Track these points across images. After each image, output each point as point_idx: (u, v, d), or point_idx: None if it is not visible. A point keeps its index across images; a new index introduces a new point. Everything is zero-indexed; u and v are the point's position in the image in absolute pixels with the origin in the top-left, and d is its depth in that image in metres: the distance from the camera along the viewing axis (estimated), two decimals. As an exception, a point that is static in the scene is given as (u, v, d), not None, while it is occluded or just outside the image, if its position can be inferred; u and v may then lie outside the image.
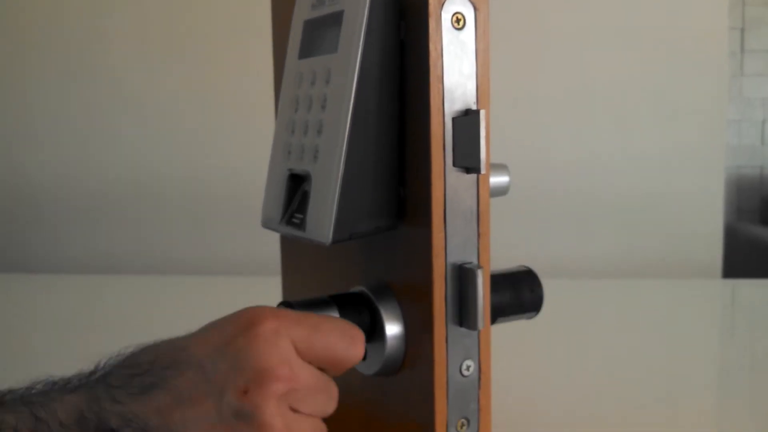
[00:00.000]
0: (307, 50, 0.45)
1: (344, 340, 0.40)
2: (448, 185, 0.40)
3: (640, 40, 1.69)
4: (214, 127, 1.78)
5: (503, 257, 0.57)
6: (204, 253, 1.80)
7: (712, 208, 1.75)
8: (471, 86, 0.40)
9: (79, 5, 1.78)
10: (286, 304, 0.43)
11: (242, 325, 0.40)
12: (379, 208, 0.41)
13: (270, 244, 0.78)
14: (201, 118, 1.78)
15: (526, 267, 0.52)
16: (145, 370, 0.39)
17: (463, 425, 0.42)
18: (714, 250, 1.73)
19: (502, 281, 0.49)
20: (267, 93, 0.67)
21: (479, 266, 0.40)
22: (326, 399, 0.39)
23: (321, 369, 0.39)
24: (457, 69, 0.39)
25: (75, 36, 1.79)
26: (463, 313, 0.41)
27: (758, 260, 2.83)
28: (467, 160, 0.39)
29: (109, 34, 1.78)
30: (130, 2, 1.77)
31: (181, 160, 1.80)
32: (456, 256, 0.40)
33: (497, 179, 0.49)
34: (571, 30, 1.65)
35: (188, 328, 0.97)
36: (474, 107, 0.40)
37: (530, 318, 0.52)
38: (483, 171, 0.39)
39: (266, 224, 0.47)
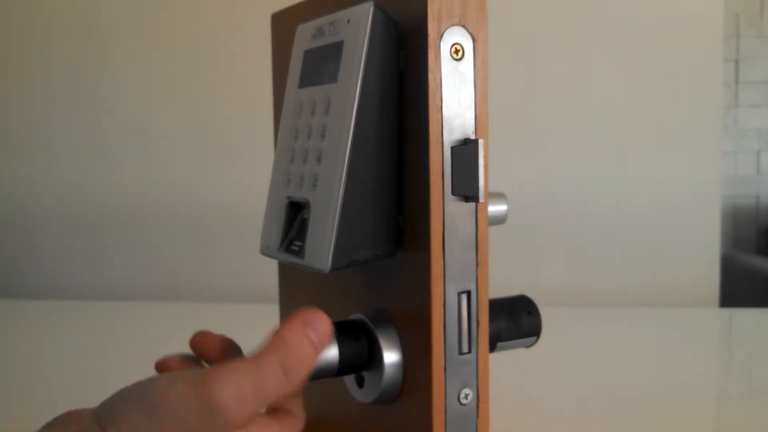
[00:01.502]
0: (307, 80, 0.45)
1: (284, 381, 0.38)
2: (447, 213, 0.40)
3: (636, 71, 1.71)
4: (213, 153, 1.78)
5: (501, 285, 0.57)
6: (202, 280, 1.80)
7: (709, 238, 1.75)
8: (469, 116, 0.40)
9: (76, 31, 1.79)
10: (284, 331, 0.43)
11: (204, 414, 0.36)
12: (378, 236, 0.42)
13: (268, 271, 0.78)
14: (200, 145, 1.79)
15: (521, 294, 0.52)
16: None
17: (461, 454, 0.42)
18: (711, 280, 1.74)
19: (498, 307, 0.49)
20: (267, 120, 0.67)
21: (477, 291, 0.41)
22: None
23: None
24: (455, 99, 0.40)
25: (72, 61, 1.80)
26: (461, 339, 0.41)
27: (755, 289, 2.83)
28: (466, 188, 0.39)
29: (108, 60, 1.79)
30: (129, 28, 1.78)
31: (179, 186, 1.80)
32: (454, 284, 0.40)
33: (495, 208, 0.49)
34: (568, 61, 1.67)
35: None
36: (472, 137, 0.40)
37: (529, 346, 0.52)
38: (481, 200, 0.39)
39: (265, 251, 0.47)
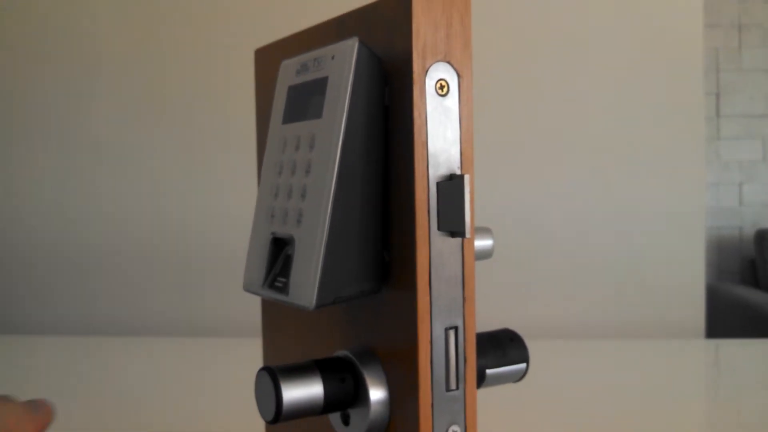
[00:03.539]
0: (291, 115, 0.45)
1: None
2: (433, 249, 0.40)
3: (620, 105, 1.73)
4: (197, 188, 1.78)
5: (486, 319, 0.57)
6: (185, 315, 1.78)
7: (694, 269, 1.76)
8: (455, 151, 0.40)
9: (61, 62, 1.79)
10: (267, 369, 0.43)
11: None
12: (364, 272, 0.41)
13: (251, 306, 0.78)
14: (183, 179, 1.78)
15: (503, 328, 0.52)
16: None
17: (449, 494, 0.41)
18: (697, 310, 1.74)
19: (482, 340, 0.49)
20: (251, 156, 0.67)
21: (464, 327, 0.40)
22: None
23: None
24: (441, 135, 0.40)
25: (57, 93, 1.80)
26: (449, 375, 0.40)
27: (740, 320, 2.84)
28: (452, 224, 0.39)
29: (94, 90, 1.79)
30: (115, 60, 1.78)
31: (162, 221, 1.80)
32: (441, 320, 0.40)
33: (482, 243, 0.49)
34: (553, 95, 1.68)
35: (166, 391, 0.95)
36: (458, 172, 0.40)
37: (519, 378, 0.51)
38: (468, 235, 0.39)
39: (248, 288, 0.47)
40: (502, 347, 0.50)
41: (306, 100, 0.44)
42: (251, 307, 0.79)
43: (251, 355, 0.70)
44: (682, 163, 1.75)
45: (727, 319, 2.90)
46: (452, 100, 0.40)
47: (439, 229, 0.40)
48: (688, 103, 1.75)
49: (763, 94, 3.35)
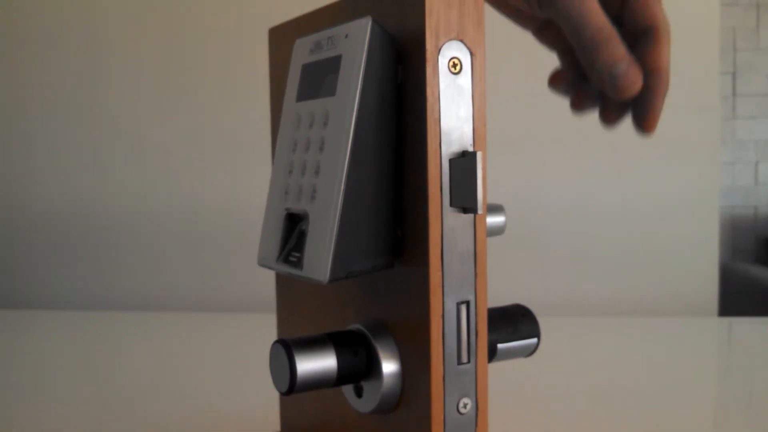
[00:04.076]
0: (305, 93, 0.46)
1: None
2: (445, 225, 0.40)
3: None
4: (212, 165, 1.79)
5: (499, 296, 0.57)
6: (199, 290, 1.80)
7: (708, 248, 1.76)
8: (467, 129, 0.41)
9: (76, 38, 1.80)
10: (281, 342, 0.43)
11: None
12: (377, 248, 0.42)
13: (266, 281, 0.79)
14: (199, 156, 1.79)
15: (514, 303, 0.53)
16: None
17: (459, 464, 0.42)
18: (710, 289, 1.74)
19: (494, 315, 0.50)
20: (265, 133, 0.68)
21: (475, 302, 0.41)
22: None
23: None
24: (454, 113, 0.40)
25: (74, 73, 1.80)
26: (460, 349, 0.41)
27: (753, 299, 2.83)
28: (464, 200, 0.40)
29: (108, 69, 1.80)
30: (130, 37, 1.79)
31: (178, 196, 1.81)
32: (453, 295, 0.41)
33: (493, 219, 0.49)
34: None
35: (183, 365, 0.97)
36: (470, 149, 0.41)
37: (530, 353, 0.52)
38: (480, 211, 0.40)
39: (263, 262, 0.47)
40: (513, 322, 0.51)
41: (320, 78, 0.44)
42: (266, 283, 0.80)
43: (266, 329, 0.71)
44: (697, 142, 1.74)
45: (740, 298, 2.89)
46: (465, 78, 0.40)
47: (451, 205, 0.40)
48: (703, 82, 1.74)
49: (781, 72, 3.32)
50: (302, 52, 0.47)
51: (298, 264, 0.43)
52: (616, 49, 0.45)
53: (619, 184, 1.73)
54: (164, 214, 1.81)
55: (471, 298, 0.41)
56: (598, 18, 0.45)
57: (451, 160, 0.40)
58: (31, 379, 0.99)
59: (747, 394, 0.95)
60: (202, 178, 1.79)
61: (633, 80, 0.45)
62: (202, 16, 1.77)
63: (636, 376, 0.99)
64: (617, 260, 1.71)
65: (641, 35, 0.47)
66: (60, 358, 1.11)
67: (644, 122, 0.47)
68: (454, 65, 0.40)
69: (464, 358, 0.42)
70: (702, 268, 1.75)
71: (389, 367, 0.43)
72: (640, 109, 0.46)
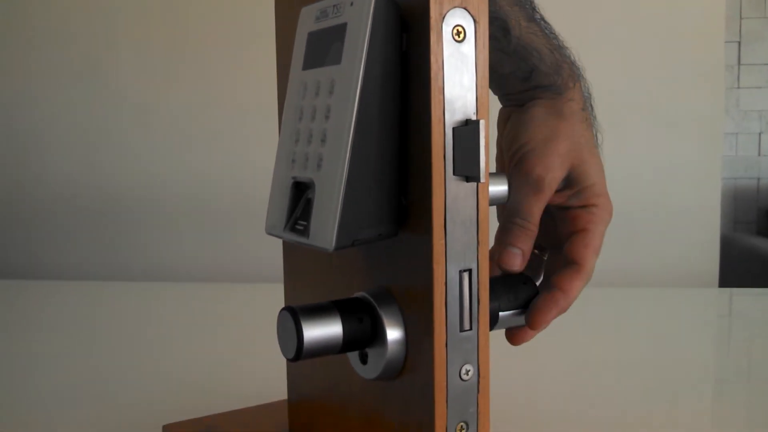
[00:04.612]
0: (311, 61, 0.46)
1: None
2: (449, 193, 0.41)
3: (638, 53, 1.71)
4: (220, 135, 1.79)
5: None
6: (207, 260, 1.81)
7: (709, 219, 1.76)
8: (471, 97, 0.41)
9: (85, 13, 1.79)
10: (289, 309, 0.44)
11: None
12: (381, 216, 0.42)
13: (273, 251, 0.79)
14: (207, 126, 1.79)
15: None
16: None
17: (462, 428, 0.43)
18: (711, 260, 1.75)
19: (495, 283, 0.51)
20: (271, 102, 0.68)
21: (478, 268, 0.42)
22: None
23: None
24: (457, 81, 0.40)
25: (82, 43, 1.80)
26: (463, 316, 0.42)
27: (754, 270, 2.84)
28: (467, 169, 0.40)
29: (116, 41, 1.79)
30: (137, 11, 1.78)
31: (186, 167, 1.81)
32: (456, 263, 0.41)
33: (496, 188, 0.50)
34: (569, 42, 1.67)
35: (190, 335, 0.98)
36: (474, 117, 0.41)
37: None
38: (482, 180, 0.40)
39: (270, 231, 0.48)
40: (514, 290, 0.51)
41: (325, 46, 0.44)
42: (273, 253, 0.81)
43: (273, 299, 0.72)
44: (700, 112, 1.74)
45: (741, 269, 2.90)
46: (468, 46, 0.40)
47: (454, 173, 0.41)
48: (708, 52, 1.73)
49: (786, 42, 3.29)
50: (308, 20, 0.47)
51: (304, 232, 0.44)
52: (525, 241, 0.52)
53: (620, 155, 1.73)
54: (171, 184, 1.81)
55: (473, 266, 0.42)
56: (532, 212, 0.53)
57: (454, 129, 0.40)
58: (36, 348, 1.01)
59: (747, 363, 0.96)
60: (209, 147, 1.80)
61: (516, 263, 0.52)
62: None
63: (636, 347, 1.00)
64: (618, 231, 1.71)
65: (569, 264, 0.54)
66: (66, 328, 1.12)
67: (531, 320, 0.52)
68: (458, 33, 0.40)
69: (466, 325, 0.42)
70: (703, 240, 1.75)
71: (393, 333, 0.44)
72: (533, 310, 0.52)
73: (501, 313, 0.51)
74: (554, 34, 0.56)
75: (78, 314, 1.21)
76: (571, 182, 0.55)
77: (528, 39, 0.54)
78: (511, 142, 0.55)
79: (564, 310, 0.53)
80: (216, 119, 1.78)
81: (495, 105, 0.52)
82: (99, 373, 0.89)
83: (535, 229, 0.53)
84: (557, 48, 0.55)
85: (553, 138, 0.53)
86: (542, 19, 0.56)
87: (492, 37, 0.41)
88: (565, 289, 0.52)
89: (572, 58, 0.57)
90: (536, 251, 0.58)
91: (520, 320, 0.52)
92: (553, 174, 0.53)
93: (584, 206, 0.55)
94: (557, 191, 0.54)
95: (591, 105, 0.57)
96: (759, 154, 3.38)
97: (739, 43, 3.31)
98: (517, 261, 0.51)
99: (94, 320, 1.16)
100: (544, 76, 0.54)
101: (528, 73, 0.54)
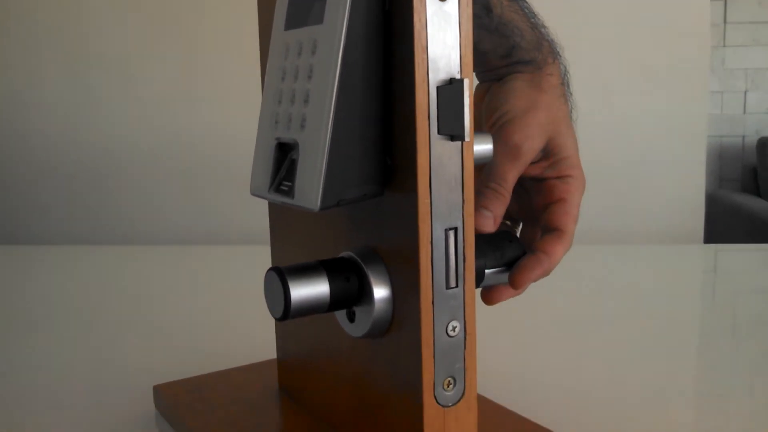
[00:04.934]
0: (293, 21, 0.46)
1: None
2: (433, 153, 0.41)
3: (623, 11, 1.70)
4: (202, 96, 1.78)
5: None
6: (193, 223, 1.81)
7: (695, 176, 1.77)
8: (454, 56, 0.41)
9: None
10: (275, 269, 0.44)
11: None
12: (366, 175, 0.43)
13: (259, 213, 0.79)
14: (188, 87, 1.78)
15: (501, 230, 0.54)
16: None
17: (449, 384, 0.43)
18: (696, 217, 1.76)
19: (481, 241, 0.51)
20: (254, 64, 0.68)
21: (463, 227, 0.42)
22: None
23: None
24: (441, 39, 0.40)
25: (60, 3, 1.77)
26: (449, 274, 0.42)
27: (739, 226, 2.86)
28: (451, 128, 0.40)
29: (95, 6, 1.77)
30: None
31: (169, 129, 1.80)
32: (441, 222, 0.42)
33: (481, 147, 0.50)
34: (555, 1, 1.66)
35: (178, 298, 0.98)
36: (458, 76, 0.41)
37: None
38: (467, 138, 0.40)
39: (255, 192, 0.48)
40: (500, 248, 0.52)
41: (307, 6, 0.44)
42: (259, 214, 0.81)
43: (260, 259, 0.72)
44: (685, 70, 1.74)
45: (726, 226, 2.92)
46: (452, 4, 0.40)
47: (439, 132, 0.41)
48: (693, 10, 1.72)
49: (772, -1, 3.28)
50: (289, -20, 0.47)
51: (289, 193, 0.44)
52: (497, 206, 0.53)
53: (606, 113, 1.73)
54: (154, 146, 1.80)
55: (459, 224, 0.42)
56: (506, 177, 0.53)
57: (438, 88, 0.40)
58: (20, 314, 1.01)
59: (731, 319, 0.97)
60: (191, 109, 1.79)
61: (488, 225, 0.52)
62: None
63: (623, 303, 1.02)
64: (605, 189, 1.72)
65: (550, 230, 0.55)
66: (50, 293, 1.12)
67: (514, 279, 0.52)
68: (442, -9, 0.40)
69: (452, 283, 0.43)
70: (689, 197, 1.77)
71: (380, 292, 0.44)
72: (517, 269, 0.53)
73: (487, 270, 0.51)
74: (533, 13, 0.57)
75: (62, 279, 1.21)
76: (548, 153, 0.55)
77: (509, 17, 0.54)
78: (491, 113, 0.55)
79: (547, 273, 0.54)
80: (197, 80, 1.77)
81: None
82: (87, 337, 0.89)
83: (508, 195, 0.54)
84: (537, 27, 0.56)
85: (532, 108, 0.54)
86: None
87: (474, 16, 0.41)
88: (549, 252, 0.53)
89: (550, 37, 0.57)
90: (507, 222, 0.59)
91: (505, 278, 0.53)
92: (531, 142, 0.54)
93: (560, 177, 0.56)
94: (534, 162, 0.55)
95: (568, 82, 0.58)
96: (744, 113, 3.39)
97: (725, 1, 3.30)
98: (489, 223, 0.52)
99: (78, 285, 1.17)
100: (524, 52, 0.55)
101: (509, 50, 0.55)
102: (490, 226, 0.52)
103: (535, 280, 0.53)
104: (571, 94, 0.58)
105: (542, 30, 0.57)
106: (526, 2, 0.57)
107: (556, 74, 0.56)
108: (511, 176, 0.54)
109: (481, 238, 0.52)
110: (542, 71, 0.55)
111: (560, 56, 0.58)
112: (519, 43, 0.55)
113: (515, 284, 0.53)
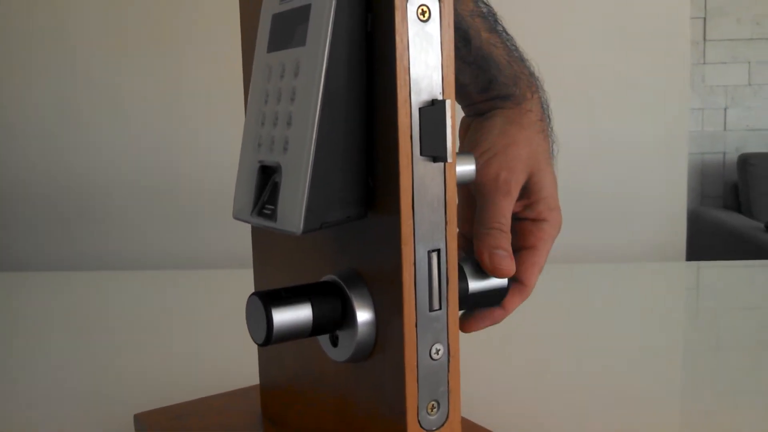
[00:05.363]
0: (275, 44, 0.46)
1: None
2: (416, 174, 0.41)
3: (606, 30, 1.72)
4: (185, 119, 1.77)
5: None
6: (174, 247, 1.79)
7: (677, 194, 1.78)
8: (436, 77, 0.41)
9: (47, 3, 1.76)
10: (257, 294, 0.44)
11: None
12: (349, 198, 0.42)
13: (242, 237, 0.79)
14: (171, 111, 1.77)
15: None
16: None
17: (433, 407, 0.43)
18: (678, 234, 1.77)
19: (464, 263, 0.51)
20: (238, 86, 0.67)
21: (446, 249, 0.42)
22: None
23: None
24: (423, 60, 0.40)
25: (45, 29, 1.77)
26: (432, 296, 0.42)
27: (721, 243, 2.88)
28: (434, 149, 0.40)
29: (81, 30, 1.76)
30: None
31: (151, 153, 1.79)
32: (424, 243, 0.41)
33: (463, 168, 0.50)
34: (540, 20, 1.67)
35: (161, 323, 0.97)
36: (440, 97, 0.41)
37: (499, 301, 0.53)
38: (449, 159, 0.40)
39: (238, 215, 0.48)
40: (483, 270, 0.52)
41: (290, 28, 0.44)
42: (242, 239, 0.81)
43: (243, 284, 0.71)
44: (666, 87, 1.75)
45: (709, 243, 2.94)
46: (433, 25, 0.40)
47: (421, 154, 0.41)
48: (674, 28, 1.74)
49: (751, 16, 3.32)
50: (272, 2, 0.47)
51: (272, 216, 0.44)
52: (507, 243, 0.52)
53: (588, 131, 1.74)
54: (136, 170, 1.79)
55: (441, 246, 0.42)
56: (505, 215, 0.53)
57: (420, 109, 0.40)
58: (1, 340, 0.99)
59: (715, 335, 0.98)
60: (174, 133, 1.78)
61: (508, 265, 0.51)
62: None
63: (606, 321, 1.01)
64: (587, 207, 1.73)
65: (512, 281, 0.55)
66: (29, 320, 1.11)
67: (465, 325, 0.54)
68: (423, 12, 0.40)
69: (436, 305, 0.42)
70: (671, 214, 1.78)
71: (363, 315, 0.44)
72: (470, 316, 0.54)
73: (470, 292, 0.51)
74: (515, 46, 0.57)
75: (40, 306, 1.20)
76: (527, 191, 0.55)
77: (488, 50, 0.54)
78: (472, 148, 0.55)
79: (497, 323, 0.54)
80: (180, 103, 1.77)
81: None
82: (67, 365, 0.88)
83: (509, 231, 0.53)
84: (517, 60, 0.56)
85: (512, 144, 0.54)
86: (504, 30, 0.57)
87: None
88: (506, 306, 0.54)
89: (531, 69, 0.57)
90: (463, 254, 0.58)
91: (490, 299, 0.52)
92: (516, 177, 0.54)
93: (535, 220, 0.55)
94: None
95: (549, 116, 0.58)
96: (725, 129, 3.42)
97: (705, 18, 3.34)
98: (507, 261, 0.51)
99: (58, 311, 1.15)
100: (502, 87, 0.55)
101: (487, 83, 0.55)
102: (510, 263, 0.52)
103: (484, 328, 0.54)
104: (552, 129, 0.58)
105: (522, 63, 0.57)
106: (509, 35, 0.57)
107: (535, 109, 0.56)
108: (508, 212, 0.53)
109: (464, 260, 0.52)
110: (521, 107, 0.55)
111: (541, 90, 0.57)
112: (497, 77, 0.55)
113: (464, 329, 0.53)
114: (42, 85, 1.78)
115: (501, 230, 0.52)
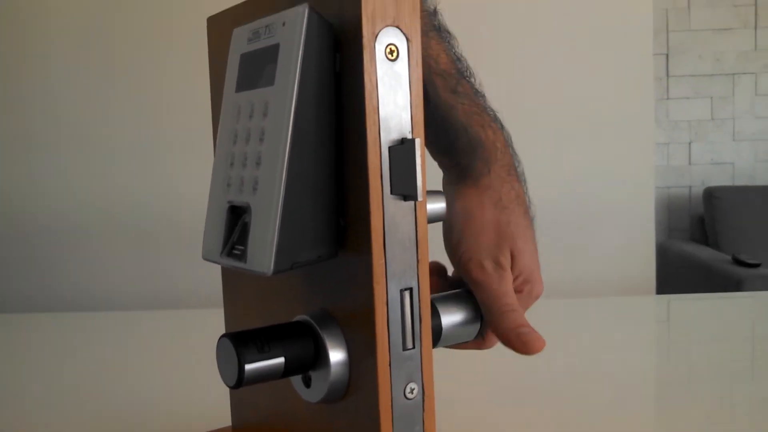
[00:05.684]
0: (244, 83, 0.46)
1: None
2: (387, 213, 0.41)
3: (571, 66, 1.74)
4: (153, 159, 1.76)
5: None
6: (143, 288, 1.77)
7: (645, 227, 1.80)
8: (406, 116, 0.41)
9: (19, 34, 1.75)
10: (228, 336, 0.43)
11: None
12: (320, 238, 0.42)
13: (212, 276, 0.78)
14: (140, 150, 1.76)
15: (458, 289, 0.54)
16: None
17: (408, 448, 0.42)
18: (647, 268, 1.79)
19: (437, 300, 0.51)
20: (207, 126, 0.67)
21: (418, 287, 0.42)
22: None
23: None
24: (392, 100, 0.40)
25: (16, 67, 1.76)
26: (405, 335, 0.42)
27: (689, 276, 2.91)
28: (404, 188, 0.40)
29: (51, 64, 1.75)
30: (69, 30, 1.75)
31: (119, 192, 1.78)
32: (396, 282, 0.41)
33: (434, 206, 0.50)
34: (505, 55, 1.69)
35: (130, 364, 0.96)
36: (409, 136, 0.41)
37: (474, 338, 0.53)
38: (420, 198, 0.40)
39: (207, 256, 0.47)
40: (456, 306, 0.51)
41: (258, 68, 0.44)
42: (212, 278, 0.80)
43: (214, 325, 0.70)
44: (631, 123, 1.78)
45: (678, 275, 2.97)
46: (402, 64, 0.41)
47: (392, 192, 0.40)
48: (638, 64, 1.78)
49: (711, 53, 3.40)
50: (240, 42, 0.47)
51: (242, 257, 0.43)
52: (522, 318, 0.54)
53: (556, 167, 1.76)
54: (104, 209, 1.77)
55: (414, 284, 0.42)
56: (510, 295, 0.54)
57: (390, 148, 0.40)
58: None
59: (686, 368, 0.98)
60: (142, 172, 1.77)
61: (537, 339, 0.53)
62: (140, 6, 1.74)
63: (578, 356, 1.01)
64: (555, 242, 1.74)
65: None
66: (5, 360, 1.08)
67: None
68: (391, 52, 0.40)
69: (409, 344, 0.42)
70: (639, 248, 1.79)
71: (336, 356, 0.43)
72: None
73: (444, 330, 0.51)
74: (483, 106, 0.56)
75: (5, 350, 1.17)
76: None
77: (445, 111, 0.54)
78: (449, 240, 0.55)
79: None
80: (149, 142, 1.76)
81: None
82: (33, 408, 0.86)
83: (516, 302, 0.54)
84: (482, 125, 0.55)
85: (482, 231, 0.54)
86: (474, 89, 0.56)
87: None
88: (486, 339, 0.56)
89: (499, 122, 0.57)
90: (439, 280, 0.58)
91: (464, 335, 0.52)
92: (504, 255, 0.54)
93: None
94: None
95: (522, 172, 0.58)
96: (689, 163, 3.48)
97: (667, 55, 3.41)
98: (535, 336, 0.53)
99: (21, 354, 1.13)
100: (461, 155, 0.55)
101: (447, 147, 0.55)
102: (540, 338, 0.53)
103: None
104: (526, 191, 0.58)
105: (486, 116, 0.56)
106: (477, 94, 0.56)
107: (494, 185, 0.55)
108: (510, 289, 0.54)
109: (436, 297, 0.52)
110: (478, 186, 0.55)
111: (510, 147, 0.57)
112: (454, 144, 0.55)
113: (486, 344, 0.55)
114: (3, 123, 1.76)
115: (515, 310, 0.53)
